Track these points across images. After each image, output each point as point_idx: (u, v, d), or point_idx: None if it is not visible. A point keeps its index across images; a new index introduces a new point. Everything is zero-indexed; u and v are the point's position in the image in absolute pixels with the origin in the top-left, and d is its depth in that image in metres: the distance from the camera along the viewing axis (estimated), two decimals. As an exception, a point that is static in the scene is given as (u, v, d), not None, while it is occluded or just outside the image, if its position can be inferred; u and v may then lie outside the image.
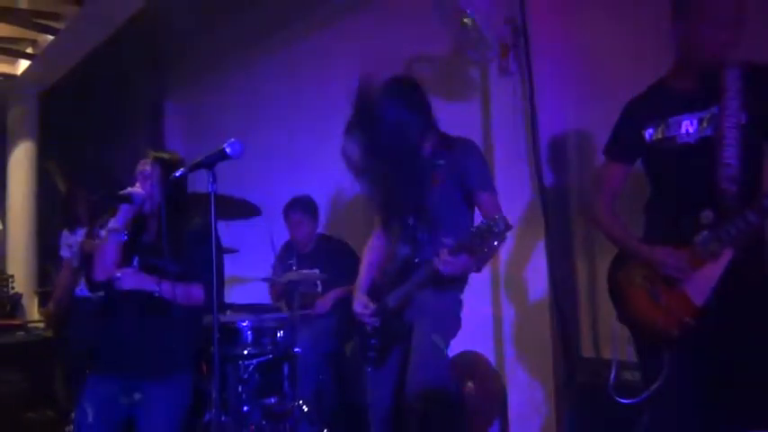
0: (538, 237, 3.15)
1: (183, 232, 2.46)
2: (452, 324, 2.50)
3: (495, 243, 2.14)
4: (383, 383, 2.52)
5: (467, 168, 2.44)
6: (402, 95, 2.43)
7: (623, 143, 2.17)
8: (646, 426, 2.18)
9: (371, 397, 2.57)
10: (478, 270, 2.41)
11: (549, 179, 3.18)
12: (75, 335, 3.75)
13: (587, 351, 3.13)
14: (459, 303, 2.51)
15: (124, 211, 2.43)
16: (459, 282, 2.51)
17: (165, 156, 2.56)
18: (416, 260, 2.45)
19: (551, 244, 3.14)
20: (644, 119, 2.09)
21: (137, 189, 2.43)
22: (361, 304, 2.58)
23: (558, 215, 3.19)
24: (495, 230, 2.10)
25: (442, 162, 2.42)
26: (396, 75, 2.50)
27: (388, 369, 2.51)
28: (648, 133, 2.07)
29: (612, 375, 2.36)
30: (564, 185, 3.24)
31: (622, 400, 2.25)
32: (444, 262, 2.24)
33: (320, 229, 3.95)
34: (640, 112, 2.11)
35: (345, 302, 3.26)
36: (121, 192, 2.40)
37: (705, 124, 1.96)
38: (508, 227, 2.12)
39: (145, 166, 2.50)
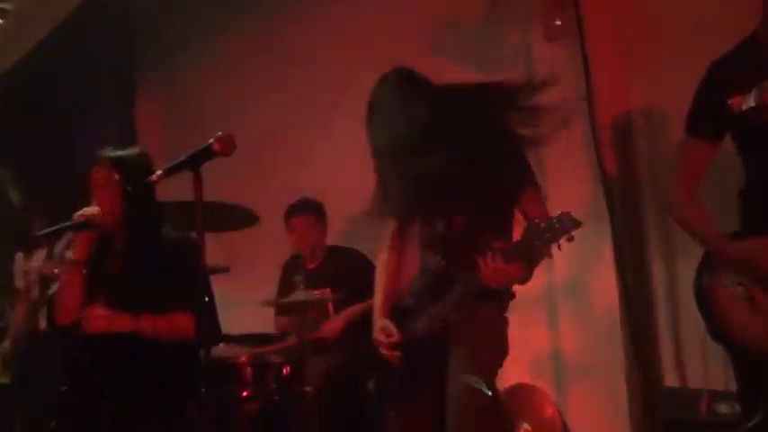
0: (602, 239, 3.06)
1: (157, 253, 2.39)
2: (497, 352, 2.33)
3: (559, 245, 1.98)
4: (414, 424, 2.38)
5: (500, 160, 2.31)
6: (413, 86, 2.36)
7: (707, 115, 2.07)
8: None
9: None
10: (527, 281, 2.26)
11: (612, 167, 3.11)
12: (38, 380, 3.67)
13: (670, 380, 3.04)
14: (505, 323, 2.36)
15: (82, 239, 2.35)
16: (505, 296, 2.37)
17: (123, 155, 2.44)
18: (451, 272, 2.30)
19: (619, 247, 3.05)
20: (732, 84, 1.98)
21: (92, 210, 2.34)
22: (382, 332, 2.43)
23: (626, 211, 3.12)
24: (558, 227, 1.95)
25: (471, 154, 2.32)
26: (399, 67, 2.43)
27: (417, 411, 2.37)
28: (738, 101, 1.96)
29: (704, 407, 2.40)
30: (632, 175, 3.17)
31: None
32: (494, 272, 2.07)
33: (329, 241, 3.88)
34: (728, 75, 2.02)
35: (364, 326, 3.14)
36: (75, 217, 2.31)
37: None
38: (576, 223, 1.96)
39: (100, 173, 2.39)
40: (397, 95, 2.36)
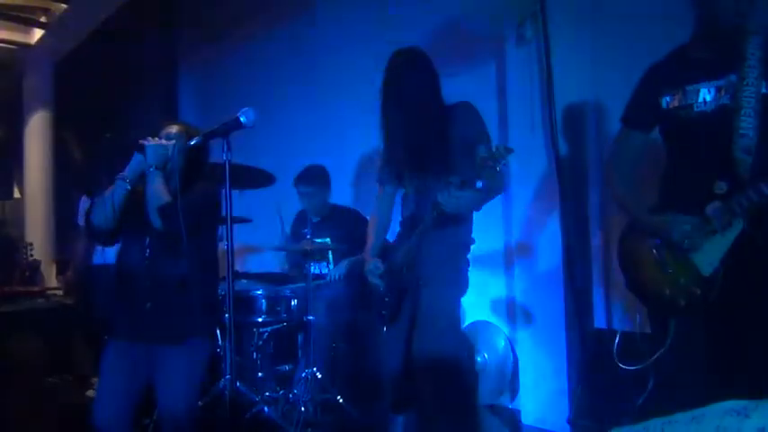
0: (552, 208, 3.16)
1: (190, 196, 2.38)
2: (462, 282, 2.49)
3: (498, 168, 2.14)
4: (395, 341, 2.53)
5: (465, 125, 2.44)
6: (413, 64, 2.48)
7: (641, 110, 2.15)
8: (649, 392, 2.25)
9: (384, 355, 2.60)
10: (478, 208, 2.42)
11: (564, 149, 3.16)
12: (93, 301, 3.81)
13: (600, 322, 3.14)
14: (467, 263, 2.51)
15: (135, 162, 2.35)
16: (466, 233, 2.51)
17: (191, 129, 2.50)
18: (420, 215, 2.47)
19: (565, 215, 3.13)
20: (661, 86, 2.06)
21: (154, 141, 2.36)
22: (370, 267, 2.61)
23: (572, 187, 3.17)
24: (496, 154, 2.12)
25: (444, 125, 2.44)
26: (409, 46, 2.54)
27: (399, 327, 2.52)
28: (665, 101, 2.05)
29: (616, 342, 2.48)
30: (579, 155, 3.22)
31: (624, 366, 2.36)
32: (450, 197, 2.25)
33: (334, 199, 3.93)
34: (658, 79, 2.09)
35: (358, 273, 3.36)
36: (140, 142, 2.33)
37: (722, 93, 1.94)
38: (508, 150, 2.13)
39: (171, 130, 2.45)
40: (405, 69, 2.47)
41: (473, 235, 2.53)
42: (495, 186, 2.35)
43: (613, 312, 3.11)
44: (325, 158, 3.99)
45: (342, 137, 4.40)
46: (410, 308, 2.49)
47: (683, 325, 2.00)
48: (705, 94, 1.97)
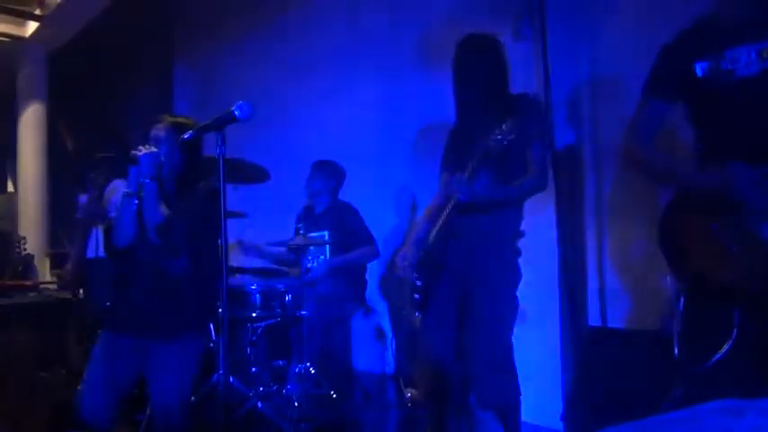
0: (547, 203, 3.12)
1: (190, 196, 2.42)
2: (512, 275, 2.46)
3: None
4: (437, 333, 2.50)
5: (526, 120, 2.36)
6: (489, 51, 2.49)
7: (670, 78, 1.94)
8: (688, 395, 1.81)
9: (424, 346, 2.57)
10: (505, 200, 2.39)
11: (560, 145, 3.14)
12: (90, 295, 3.83)
13: (594, 320, 3.10)
14: (517, 253, 2.50)
15: (133, 176, 2.34)
16: (510, 223, 2.49)
17: (181, 120, 2.47)
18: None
19: (562, 210, 3.12)
20: (696, 52, 1.86)
21: (151, 150, 2.34)
22: (402, 255, 2.56)
23: (569, 181, 3.15)
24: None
25: (509, 117, 2.33)
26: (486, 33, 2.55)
27: (440, 319, 2.49)
28: (701, 67, 1.85)
29: (676, 344, 1.94)
30: (577, 154, 3.19)
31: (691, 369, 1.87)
32: (461, 185, 2.28)
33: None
34: (691, 44, 1.89)
35: (349, 270, 3.48)
36: (132, 153, 2.31)
37: (766, 55, 1.77)
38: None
39: (159, 131, 2.42)
40: (469, 57, 2.48)
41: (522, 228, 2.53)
42: (533, 184, 2.38)
43: (608, 310, 3.07)
44: (323, 156, 3.97)
45: (341, 136, 4.40)
46: (454, 300, 2.44)
47: (749, 317, 1.69)
48: (747, 59, 1.80)
